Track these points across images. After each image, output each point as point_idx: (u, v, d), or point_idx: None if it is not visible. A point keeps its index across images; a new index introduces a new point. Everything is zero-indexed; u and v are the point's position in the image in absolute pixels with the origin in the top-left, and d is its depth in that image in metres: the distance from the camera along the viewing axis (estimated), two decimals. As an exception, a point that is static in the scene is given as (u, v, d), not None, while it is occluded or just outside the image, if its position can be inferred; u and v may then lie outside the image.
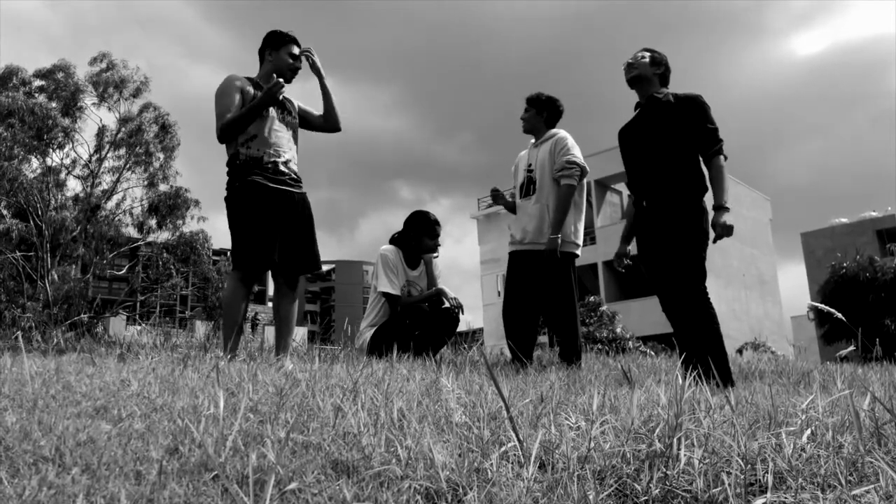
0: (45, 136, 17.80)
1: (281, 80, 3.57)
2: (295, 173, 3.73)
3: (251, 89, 3.65)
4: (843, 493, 1.20)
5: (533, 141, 4.60)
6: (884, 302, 19.65)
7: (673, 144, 3.51)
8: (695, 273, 3.40)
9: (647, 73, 3.63)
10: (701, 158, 3.53)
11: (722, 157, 3.48)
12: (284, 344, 3.68)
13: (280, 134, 3.70)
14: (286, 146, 3.71)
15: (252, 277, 3.64)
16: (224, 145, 3.67)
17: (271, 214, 3.53)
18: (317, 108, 4.00)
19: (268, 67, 3.79)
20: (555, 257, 4.22)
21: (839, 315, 2.27)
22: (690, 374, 2.17)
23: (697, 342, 3.33)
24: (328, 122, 3.98)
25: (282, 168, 3.64)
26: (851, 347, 3.06)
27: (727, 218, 3.33)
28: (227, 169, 3.66)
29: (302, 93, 3.96)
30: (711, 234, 3.43)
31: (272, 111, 3.68)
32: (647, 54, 3.67)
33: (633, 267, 3.96)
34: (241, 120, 3.54)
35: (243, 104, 3.60)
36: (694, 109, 3.51)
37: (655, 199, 3.56)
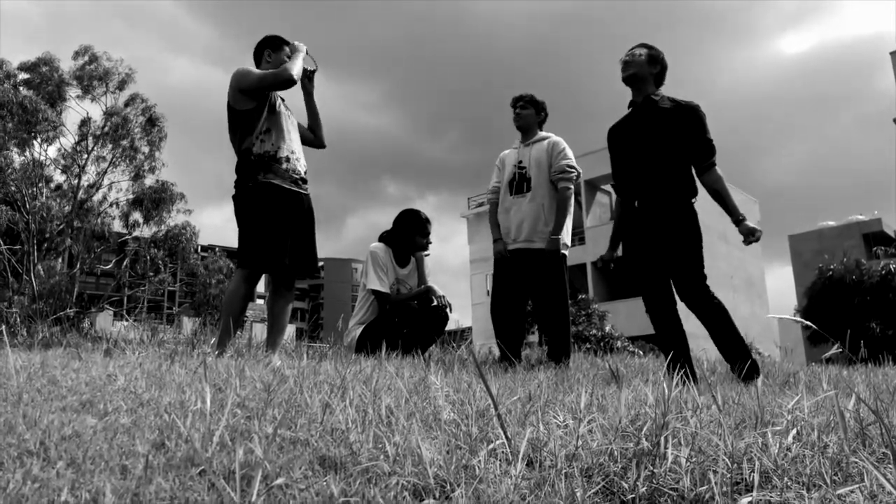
0: (34, 130, 17.71)
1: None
2: (304, 173, 3.74)
3: None
4: (828, 492, 1.21)
5: (521, 139, 4.63)
6: (870, 305, 19.82)
7: (667, 151, 3.50)
8: (698, 268, 3.44)
9: (644, 73, 3.57)
10: (694, 169, 3.54)
11: (717, 169, 3.49)
12: (274, 342, 3.68)
13: (291, 131, 3.71)
14: (296, 144, 3.73)
15: (257, 277, 3.64)
16: (232, 144, 3.67)
17: (283, 217, 3.53)
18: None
19: (267, 67, 3.81)
20: (556, 256, 4.28)
21: (812, 324, 2.29)
22: (678, 374, 2.18)
23: (715, 332, 3.40)
24: (316, 136, 4.05)
25: (294, 166, 3.64)
26: (836, 348, 3.07)
27: (749, 223, 3.41)
28: (237, 165, 3.63)
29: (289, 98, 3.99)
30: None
31: (282, 108, 3.70)
32: (645, 51, 3.59)
33: (620, 268, 3.96)
34: (296, 64, 3.65)
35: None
36: (692, 119, 3.49)
37: (647, 200, 3.54)
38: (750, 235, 3.40)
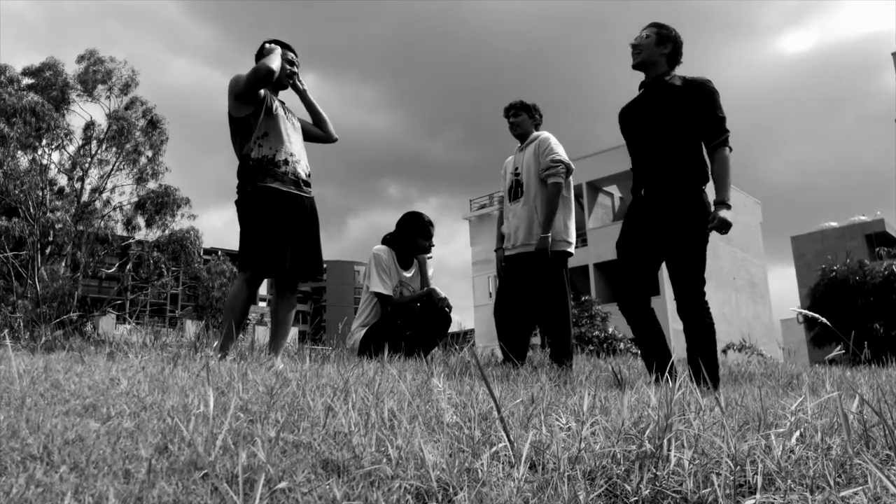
0: (45, 136, 17.85)
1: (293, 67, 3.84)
2: (306, 175, 3.74)
3: (262, 90, 3.68)
4: (832, 494, 1.21)
5: (519, 145, 4.64)
6: (873, 306, 19.75)
7: (676, 131, 3.34)
8: (697, 277, 3.27)
9: (653, 56, 3.42)
10: (704, 147, 3.35)
11: (727, 149, 3.29)
12: (277, 345, 3.68)
13: (290, 133, 3.71)
14: (296, 146, 3.73)
15: (258, 280, 3.65)
16: (233, 147, 3.69)
17: (284, 220, 3.54)
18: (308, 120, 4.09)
19: None
20: (546, 256, 4.23)
21: (824, 320, 2.28)
22: (680, 377, 2.18)
23: (694, 348, 3.21)
24: (324, 131, 4.07)
25: (294, 168, 3.64)
26: (840, 350, 3.04)
27: (726, 214, 3.16)
28: (238, 170, 3.65)
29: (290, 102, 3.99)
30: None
31: (279, 111, 3.71)
32: (654, 31, 3.44)
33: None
34: (273, 59, 3.63)
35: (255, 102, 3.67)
36: (702, 95, 3.32)
37: (654, 190, 3.39)
38: (712, 222, 3.16)
